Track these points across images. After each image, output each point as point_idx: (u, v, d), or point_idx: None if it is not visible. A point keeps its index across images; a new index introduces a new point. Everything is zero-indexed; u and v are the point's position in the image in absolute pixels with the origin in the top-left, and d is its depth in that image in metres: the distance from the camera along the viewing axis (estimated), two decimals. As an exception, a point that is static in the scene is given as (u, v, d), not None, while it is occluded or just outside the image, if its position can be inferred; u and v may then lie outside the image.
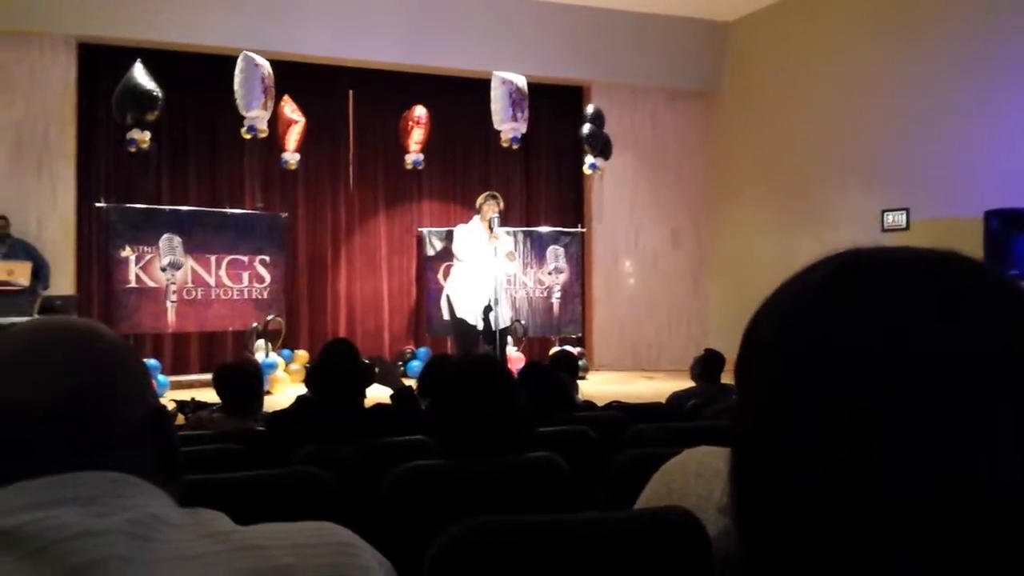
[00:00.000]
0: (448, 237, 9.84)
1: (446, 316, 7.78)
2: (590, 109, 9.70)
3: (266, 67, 8.22)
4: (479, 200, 7.68)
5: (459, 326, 7.67)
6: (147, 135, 7.86)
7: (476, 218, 7.64)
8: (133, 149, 7.91)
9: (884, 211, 9.11)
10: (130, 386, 0.82)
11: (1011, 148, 7.97)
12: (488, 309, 7.39)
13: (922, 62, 8.74)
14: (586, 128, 9.46)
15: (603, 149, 9.55)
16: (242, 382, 3.56)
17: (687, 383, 5.35)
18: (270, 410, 3.69)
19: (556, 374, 3.85)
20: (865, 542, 0.47)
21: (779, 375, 0.52)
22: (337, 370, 2.98)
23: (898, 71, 9.00)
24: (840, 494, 0.47)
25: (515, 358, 8.80)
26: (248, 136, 8.28)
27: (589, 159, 9.48)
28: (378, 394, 4.05)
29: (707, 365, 5.09)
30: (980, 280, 0.51)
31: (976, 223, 7.51)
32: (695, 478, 1.51)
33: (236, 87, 8.17)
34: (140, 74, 7.87)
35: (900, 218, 9.00)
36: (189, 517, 0.75)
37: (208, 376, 8.92)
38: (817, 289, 0.53)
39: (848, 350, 0.49)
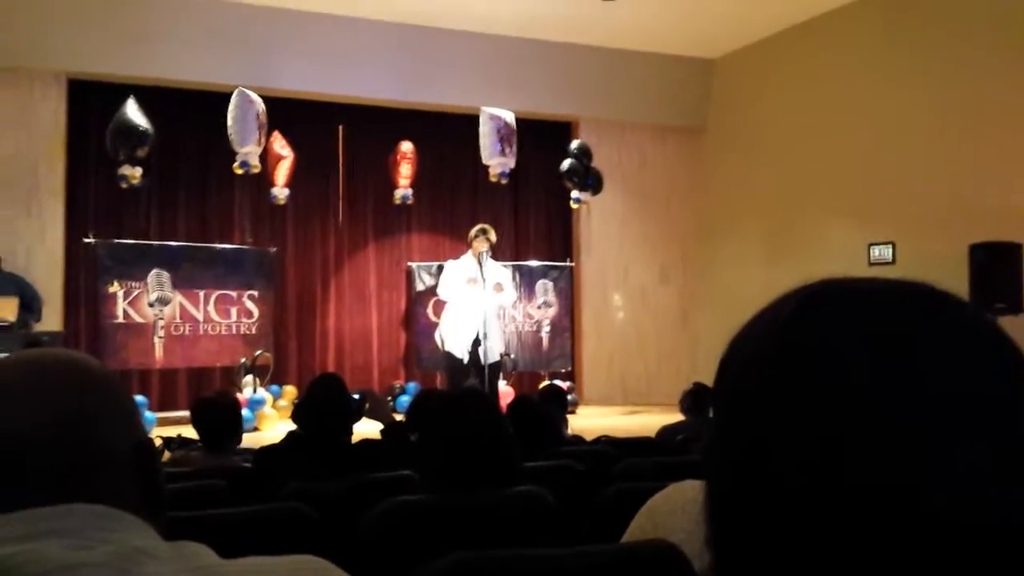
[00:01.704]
0: (438, 271, 9.86)
1: (441, 349, 7.82)
2: (573, 144, 9.76)
3: (259, 103, 8.27)
4: (470, 234, 7.72)
5: (448, 360, 7.68)
6: (138, 171, 7.89)
7: (468, 253, 7.68)
8: (124, 185, 7.93)
9: (870, 245, 9.17)
10: (117, 418, 0.82)
11: (995, 182, 8.05)
12: (477, 343, 7.39)
13: (906, 97, 8.84)
14: (566, 163, 9.51)
15: (593, 183, 9.60)
16: (219, 417, 3.53)
17: (677, 417, 5.34)
18: (258, 446, 3.66)
19: (545, 408, 3.85)
20: (838, 567, 0.47)
21: (751, 398, 0.53)
22: (324, 405, 2.97)
23: (882, 106, 9.10)
24: (811, 521, 0.48)
25: (505, 392, 8.77)
26: (240, 171, 8.31)
27: (574, 193, 9.53)
28: (368, 429, 4.04)
29: (696, 399, 5.09)
30: (943, 311, 0.52)
31: (961, 256, 7.56)
32: (681, 512, 1.51)
33: (229, 123, 8.21)
34: (132, 110, 7.91)
35: (886, 252, 9.05)
36: (173, 550, 0.74)
37: (195, 412, 8.90)
38: (787, 316, 0.54)
39: (816, 380, 0.49)
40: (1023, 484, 0.47)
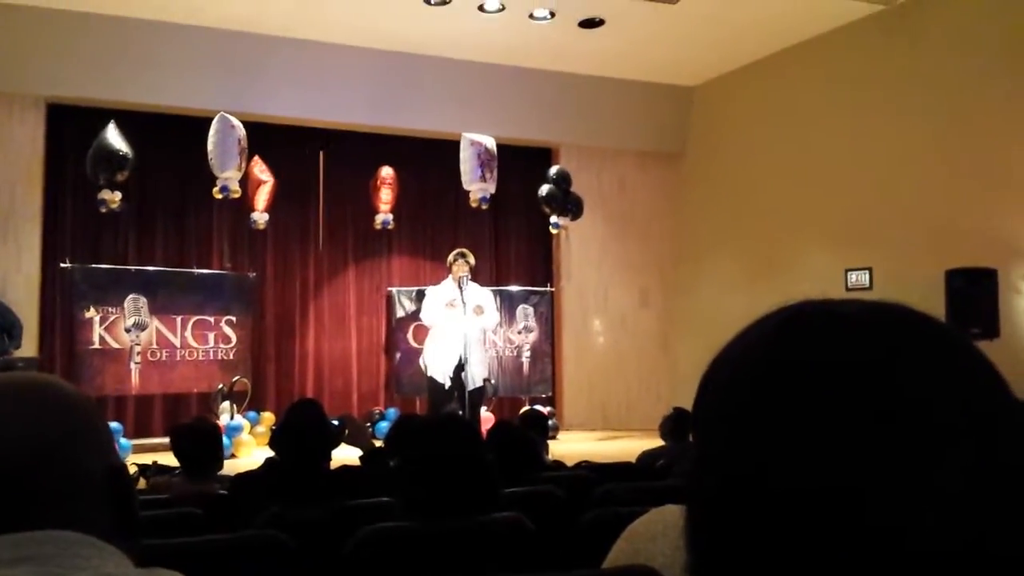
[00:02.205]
0: (418, 297, 9.84)
1: (425, 375, 7.79)
2: (552, 170, 9.79)
3: (240, 128, 8.26)
4: (449, 259, 7.73)
5: (431, 386, 7.65)
6: (117, 195, 7.86)
7: (448, 278, 7.67)
8: (104, 209, 7.90)
9: (847, 270, 9.24)
10: (90, 443, 0.81)
11: (972, 208, 8.15)
12: (460, 368, 7.37)
13: (882, 124, 8.95)
14: (544, 188, 9.54)
15: (573, 208, 9.63)
16: (200, 443, 3.49)
17: (657, 442, 5.33)
18: (234, 472, 3.62)
19: (525, 433, 3.83)
20: None
21: (733, 419, 0.53)
22: (302, 431, 2.94)
23: (858, 132, 9.21)
24: (801, 546, 0.48)
25: (485, 419, 8.73)
26: (220, 196, 8.28)
27: (553, 218, 9.56)
28: (347, 455, 4.00)
29: (676, 424, 5.08)
30: (922, 330, 0.53)
31: (938, 282, 7.63)
32: (662, 537, 1.50)
33: (210, 148, 8.19)
34: (113, 135, 7.89)
35: (863, 277, 9.13)
36: None
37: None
38: (767, 337, 0.54)
39: (794, 394, 0.50)
40: (1005, 507, 0.47)
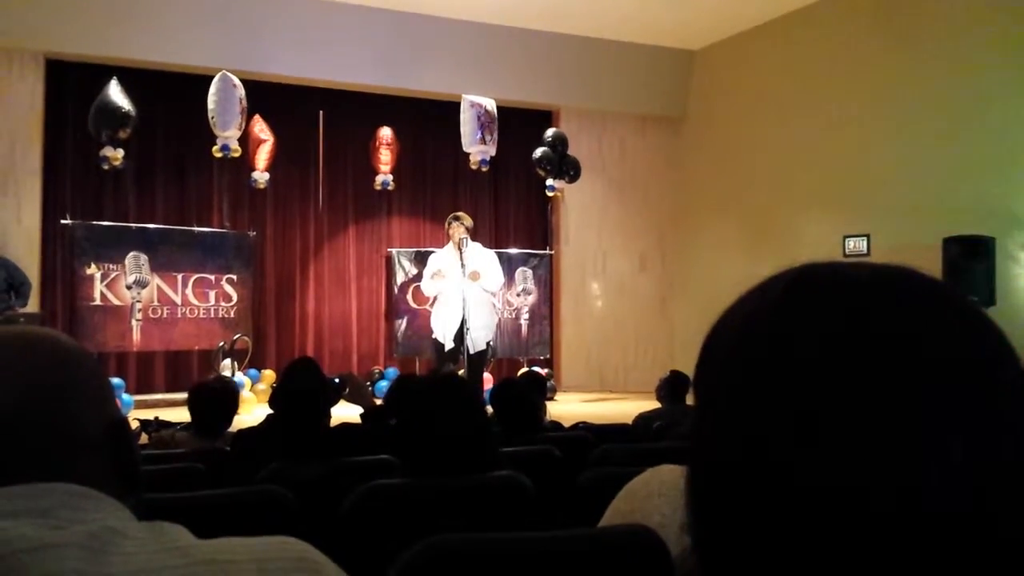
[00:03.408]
0: (418, 258, 9.86)
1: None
2: (548, 133, 9.74)
3: (241, 88, 8.22)
4: (446, 224, 7.72)
5: (435, 347, 7.70)
6: (120, 152, 7.84)
7: (450, 243, 7.67)
8: (106, 167, 7.89)
9: (846, 236, 9.26)
10: (90, 396, 0.80)
11: (969, 177, 8.14)
12: (461, 332, 7.39)
13: (883, 92, 8.91)
14: (539, 151, 9.51)
15: (570, 171, 9.60)
16: (218, 403, 3.52)
17: (653, 404, 5.38)
18: (236, 429, 3.65)
19: (529, 392, 3.86)
20: (818, 549, 0.47)
21: (738, 383, 0.52)
22: (300, 390, 2.98)
23: (858, 100, 9.17)
24: (792, 500, 0.48)
25: (485, 380, 8.78)
26: (220, 155, 8.26)
27: (549, 181, 9.54)
28: (348, 412, 4.05)
29: (673, 387, 5.12)
30: (932, 294, 0.52)
31: (935, 250, 7.65)
32: (659, 496, 1.53)
33: (211, 106, 8.15)
34: (115, 92, 7.86)
35: (861, 244, 9.14)
36: (148, 531, 0.73)
37: (173, 396, 8.89)
38: (774, 301, 0.54)
39: (803, 359, 0.49)
40: (1012, 478, 0.47)
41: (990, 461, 0.47)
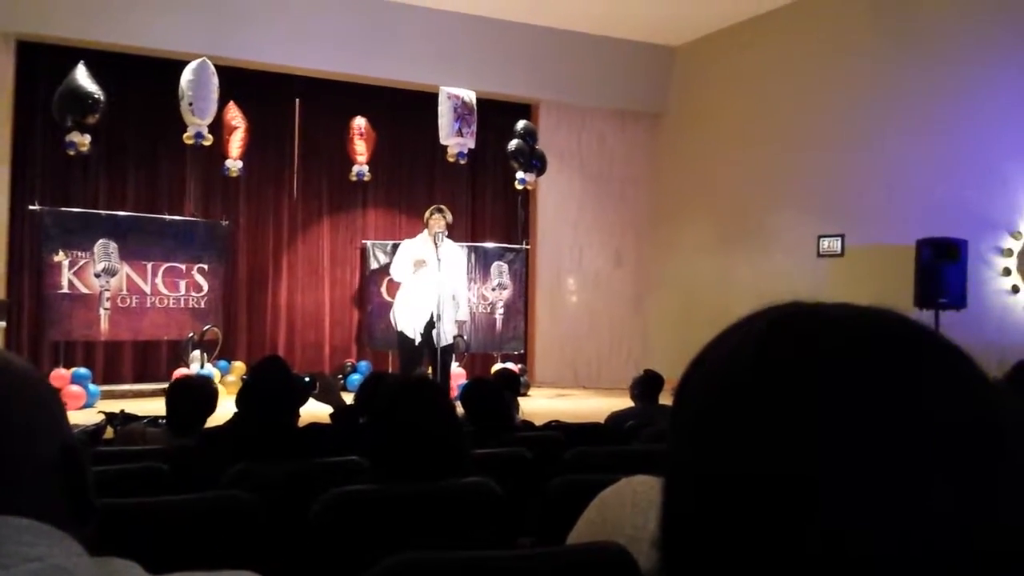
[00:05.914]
0: (393, 250, 9.79)
1: (395, 329, 7.76)
2: (519, 125, 9.67)
3: (216, 76, 8.12)
4: (426, 214, 7.68)
5: (401, 341, 7.64)
6: (87, 138, 7.69)
7: (424, 232, 7.62)
8: (72, 152, 7.73)
9: (820, 236, 9.30)
10: (40, 420, 0.76)
11: (943, 179, 8.20)
12: (431, 325, 7.35)
13: (859, 91, 8.95)
14: (513, 143, 9.46)
15: (538, 164, 9.54)
16: (197, 403, 3.48)
17: (626, 400, 5.38)
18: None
19: (499, 392, 3.83)
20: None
21: (720, 429, 0.52)
22: (268, 389, 2.93)
23: (835, 100, 9.21)
24: (780, 547, 0.48)
25: (456, 374, 8.76)
26: (192, 142, 8.14)
27: (520, 174, 9.49)
28: (318, 410, 4.00)
29: (646, 386, 5.12)
30: (915, 342, 0.51)
31: (908, 251, 7.69)
32: (632, 508, 1.51)
33: (189, 94, 8.00)
34: (82, 76, 7.70)
35: (835, 244, 9.19)
36: (98, 568, 0.70)
37: (141, 387, 8.78)
38: (758, 341, 0.53)
39: (792, 402, 0.49)
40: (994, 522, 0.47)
41: (982, 511, 0.47)
